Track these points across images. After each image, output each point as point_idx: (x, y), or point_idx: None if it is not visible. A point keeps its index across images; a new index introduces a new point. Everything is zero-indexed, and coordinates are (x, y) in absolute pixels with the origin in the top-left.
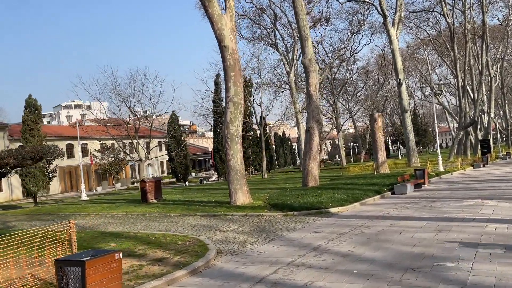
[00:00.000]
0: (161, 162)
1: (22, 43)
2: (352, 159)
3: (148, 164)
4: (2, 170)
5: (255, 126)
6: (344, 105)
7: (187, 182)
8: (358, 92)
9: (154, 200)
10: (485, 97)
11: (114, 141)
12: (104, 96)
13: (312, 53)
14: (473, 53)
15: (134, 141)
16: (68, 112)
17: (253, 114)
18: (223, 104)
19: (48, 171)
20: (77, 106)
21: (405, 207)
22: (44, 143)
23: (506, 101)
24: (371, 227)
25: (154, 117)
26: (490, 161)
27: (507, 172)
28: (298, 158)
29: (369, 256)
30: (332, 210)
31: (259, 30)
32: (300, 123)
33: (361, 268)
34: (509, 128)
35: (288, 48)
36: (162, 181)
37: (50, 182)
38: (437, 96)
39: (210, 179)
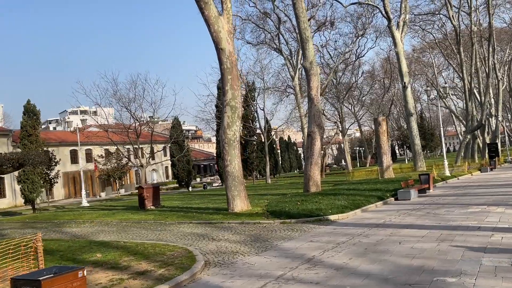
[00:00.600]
0: (166, 167)
1: (25, 48)
2: (358, 164)
3: (153, 170)
4: None
5: (259, 131)
6: (349, 109)
7: (190, 188)
8: (363, 96)
9: (152, 207)
10: (492, 100)
11: (117, 147)
12: (105, 102)
13: (313, 56)
14: (479, 56)
15: (135, 146)
16: (68, 118)
17: (257, 119)
18: None
19: (50, 177)
20: (83, 112)
21: (408, 214)
22: (45, 148)
23: None
24: (370, 236)
25: (159, 122)
26: (498, 165)
27: None
28: (303, 163)
29: (365, 270)
30: (332, 217)
31: (263, 35)
32: (305, 128)
33: (354, 284)
34: None
35: (293, 52)
36: (165, 187)
37: (52, 188)
38: (444, 100)
39: (214, 184)
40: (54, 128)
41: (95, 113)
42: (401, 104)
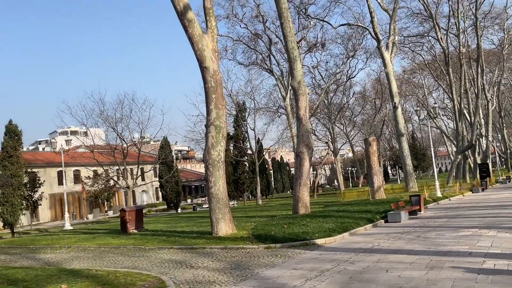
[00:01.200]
0: (156, 188)
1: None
2: (351, 184)
3: (143, 191)
4: None
5: (250, 151)
6: (341, 129)
7: (179, 209)
8: (355, 117)
9: (134, 231)
10: (482, 120)
11: (104, 167)
12: (91, 122)
13: (301, 76)
14: (468, 77)
15: (121, 167)
16: (53, 139)
17: (247, 139)
18: None
19: (33, 199)
20: (73, 132)
21: (397, 238)
22: (29, 170)
23: (504, 125)
24: (356, 263)
25: (151, 142)
26: (490, 185)
27: (507, 197)
28: None
29: None
30: (318, 241)
31: (254, 55)
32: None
33: None
34: (508, 151)
35: (284, 73)
36: (155, 208)
37: (37, 210)
38: (434, 120)
39: (204, 206)
40: (43, 149)
41: (85, 133)
42: (392, 125)
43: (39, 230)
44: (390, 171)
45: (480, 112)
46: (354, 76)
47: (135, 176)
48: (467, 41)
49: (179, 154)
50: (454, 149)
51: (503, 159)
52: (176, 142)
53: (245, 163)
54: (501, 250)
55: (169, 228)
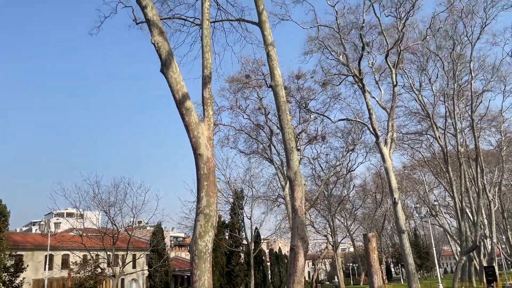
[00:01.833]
0: (147, 277)
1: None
2: (352, 281)
3: (133, 279)
4: None
5: (245, 242)
6: (342, 222)
7: None
8: (356, 210)
9: None
10: (485, 220)
11: (93, 253)
12: (83, 205)
13: (298, 166)
14: (468, 176)
15: (109, 253)
16: (44, 221)
17: (243, 228)
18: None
19: (14, 284)
20: (69, 215)
21: None
22: (13, 253)
23: (508, 226)
24: None
25: (147, 227)
26: None
27: None
28: None
29: None
30: None
31: (255, 145)
32: None
33: None
34: None
35: (283, 163)
36: None
37: None
38: (436, 218)
39: None
40: (36, 231)
41: (81, 216)
42: (394, 220)
43: None
44: (393, 269)
45: (483, 211)
46: (354, 170)
47: (125, 263)
48: (465, 141)
49: (175, 241)
50: (458, 248)
51: (509, 262)
52: (173, 228)
53: (241, 254)
54: None
55: None
